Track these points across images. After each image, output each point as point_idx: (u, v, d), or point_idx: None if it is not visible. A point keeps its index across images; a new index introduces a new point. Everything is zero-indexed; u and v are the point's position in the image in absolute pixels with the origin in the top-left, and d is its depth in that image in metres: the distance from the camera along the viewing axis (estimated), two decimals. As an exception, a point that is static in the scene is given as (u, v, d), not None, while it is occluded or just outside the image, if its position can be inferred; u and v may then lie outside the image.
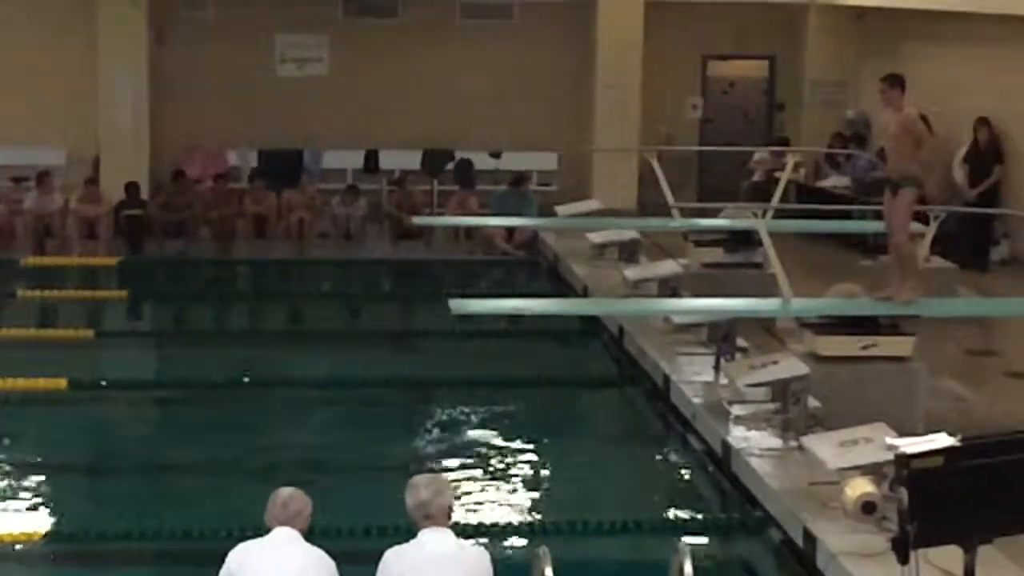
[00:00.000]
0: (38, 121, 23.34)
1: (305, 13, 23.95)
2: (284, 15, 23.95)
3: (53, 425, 13.71)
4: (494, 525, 10.72)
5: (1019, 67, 20.06)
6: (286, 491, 7.18)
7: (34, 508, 11.37)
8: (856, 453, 9.92)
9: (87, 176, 22.10)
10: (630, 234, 18.78)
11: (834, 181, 22.36)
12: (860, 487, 9.59)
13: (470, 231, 21.48)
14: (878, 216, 18.64)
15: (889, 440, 9.75)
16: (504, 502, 11.69)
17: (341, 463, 12.59)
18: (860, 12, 23.81)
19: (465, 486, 11.72)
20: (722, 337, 13.63)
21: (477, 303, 14.50)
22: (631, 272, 16.99)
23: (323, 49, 24.38)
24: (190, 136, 23.58)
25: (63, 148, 23.44)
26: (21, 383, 14.09)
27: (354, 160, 24.03)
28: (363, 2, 24.01)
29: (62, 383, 14.14)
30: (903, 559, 7.76)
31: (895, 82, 13.17)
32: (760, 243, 14.30)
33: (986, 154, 19.98)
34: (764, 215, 14.47)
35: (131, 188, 21.27)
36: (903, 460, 9.36)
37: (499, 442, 13.17)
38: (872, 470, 9.74)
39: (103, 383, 14.74)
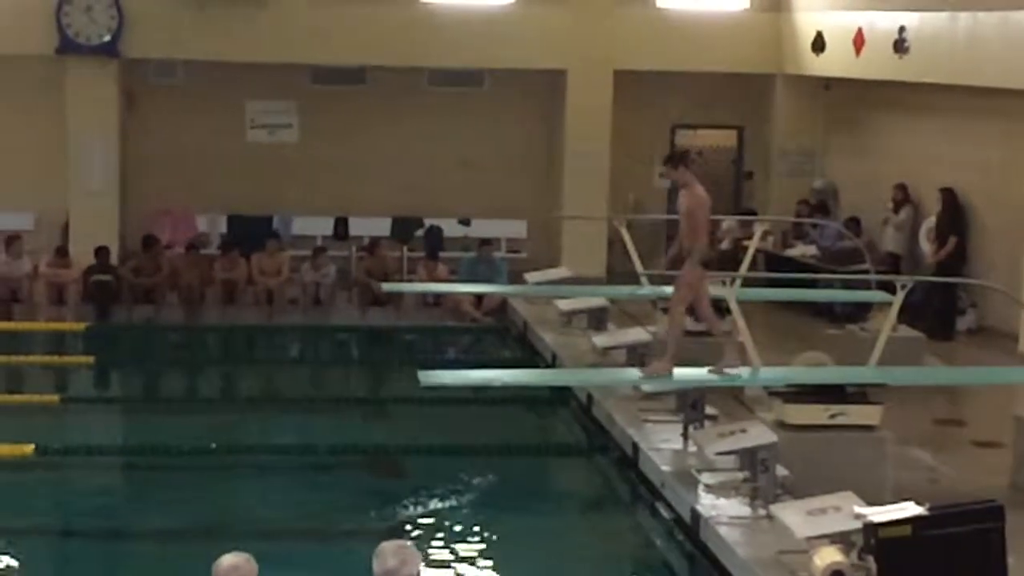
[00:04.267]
0: (7, 185, 23.26)
1: (275, 80, 24.01)
2: (254, 82, 24.01)
3: (19, 491, 13.61)
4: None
5: (984, 138, 20.26)
6: (229, 559, 6.59)
7: (-2, 575, 11.31)
8: (825, 522, 9.92)
9: (56, 241, 22.07)
10: (599, 301, 18.81)
11: (801, 250, 22.48)
12: (829, 556, 9.60)
13: (439, 298, 21.49)
14: (846, 285, 18.82)
15: (857, 509, 9.78)
16: (471, 572, 11.64)
17: (307, 529, 12.53)
18: (827, 83, 24.01)
19: (431, 555, 11.66)
20: (691, 405, 13.66)
21: (446, 374, 14.45)
22: (600, 339, 17.00)
23: (292, 116, 24.44)
24: (160, 201, 23.57)
25: (32, 212, 23.40)
26: (-13, 449, 14.02)
27: (324, 226, 24.04)
28: (332, 69, 24.08)
29: (28, 448, 14.05)
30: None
31: (676, 162, 13.38)
32: (729, 311, 14.34)
33: (945, 224, 20.11)
34: (732, 284, 14.51)
35: (101, 253, 21.22)
36: (872, 529, 9.40)
37: (466, 510, 13.13)
38: (841, 539, 9.75)
39: (69, 449, 14.64)
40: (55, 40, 22.46)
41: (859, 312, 18.08)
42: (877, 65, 21.36)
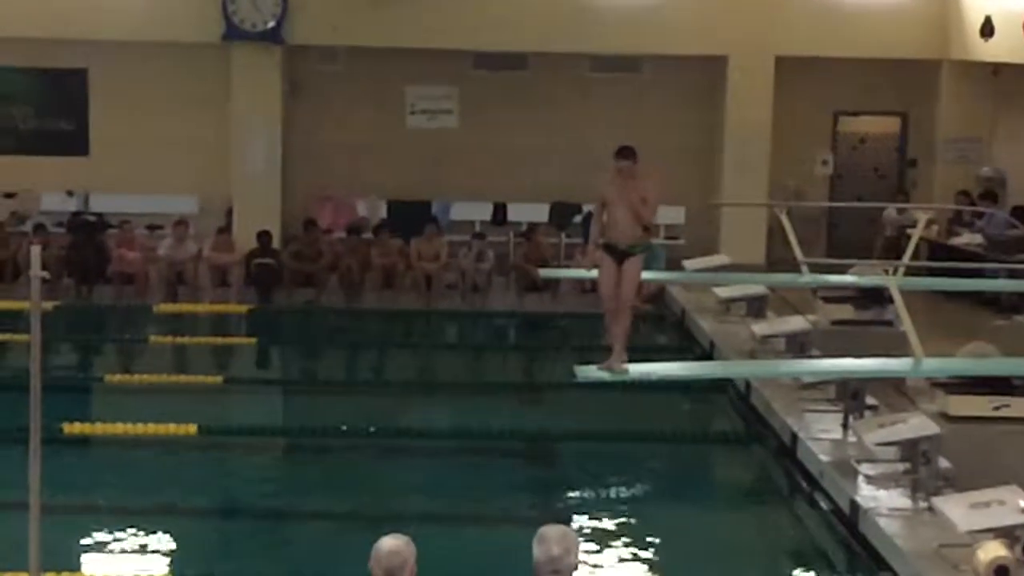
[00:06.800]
0: (173, 170, 23.78)
1: (435, 66, 24.16)
2: (415, 67, 24.18)
3: (181, 470, 13.86)
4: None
5: None
6: (389, 542, 6.71)
7: (160, 552, 11.52)
8: (988, 515, 9.73)
9: (219, 225, 22.47)
10: (758, 289, 18.64)
11: (967, 239, 22.03)
12: (993, 550, 9.41)
13: (596, 284, 21.43)
14: (1012, 275, 18.43)
15: (1023, 503, 9.57)
16: (626, 559, 11.60)
17: (464, 513, 12.59)
18: (995, 68, 23.52)
19: (587, 542, 11.64)
20: (851, 395, 13.47)
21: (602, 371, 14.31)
22: (759, 328, 16.85)
23: (453, 101, 24.57)
24: (321, 186, 23.86)
25: (196, 197, 23.84)
26: (152, 428, 14.28)
27: (482, 212, 24.15)
28: (493, 55, 24.15)
29: (191, 428, 14.31)
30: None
31: (635, 155, 13.12)
32: (890, 300, 14.13)
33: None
34: (895, 272, 14.28)
35: (263, 237, 21.55)
36: (1038, 524, 9.19)
37: (622, 498, 13.11)
38: (1005, 533, 9.55)
39: (231, 429, 14.88)
40: (221, 27, 22.83)
41: (1026, 302, 17.72)
42: (1048, 50, 20.88)
